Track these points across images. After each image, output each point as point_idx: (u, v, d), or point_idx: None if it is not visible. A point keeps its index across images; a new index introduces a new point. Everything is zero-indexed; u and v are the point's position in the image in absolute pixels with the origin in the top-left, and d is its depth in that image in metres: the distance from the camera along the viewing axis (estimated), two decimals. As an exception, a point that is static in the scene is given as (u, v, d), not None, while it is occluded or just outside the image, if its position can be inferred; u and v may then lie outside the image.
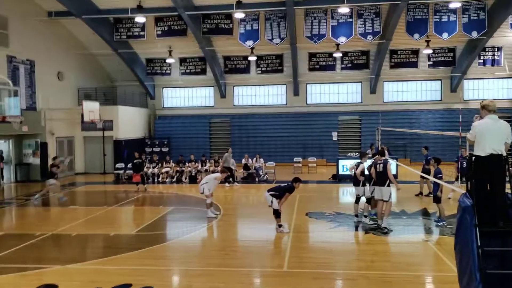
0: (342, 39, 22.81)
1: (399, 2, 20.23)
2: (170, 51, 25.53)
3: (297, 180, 10.69)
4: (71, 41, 24.88)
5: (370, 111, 27.02)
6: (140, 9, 20.13)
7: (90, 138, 24.19)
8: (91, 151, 24.32)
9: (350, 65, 26.40)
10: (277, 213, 10.52)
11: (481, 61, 25.32)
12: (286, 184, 10.89)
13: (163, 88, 29.67)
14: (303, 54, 26.11)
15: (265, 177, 20.48)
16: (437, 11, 22.12)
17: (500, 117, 5.79)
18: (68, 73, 24.49)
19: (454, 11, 21.91)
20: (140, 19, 21.34)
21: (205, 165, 20.82)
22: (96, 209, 13.97)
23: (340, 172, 20.07)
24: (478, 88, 27.09)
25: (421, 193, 15.26)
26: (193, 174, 20.38)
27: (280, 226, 10.52)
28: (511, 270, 5.12)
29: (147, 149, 26.87)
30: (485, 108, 5.72)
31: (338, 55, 24.91)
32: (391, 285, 7.12)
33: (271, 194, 10.57)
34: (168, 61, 26.32)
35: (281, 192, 10.61)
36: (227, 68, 27.34)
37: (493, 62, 25.24)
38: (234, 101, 29.01)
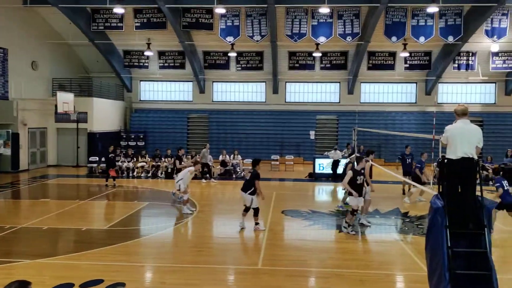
0: (322, 39, 22.96)
1: (378, 4, 20.50)
2: (148, 44, 25.11)
3: (256, 162, 10.55)
4: (46, 30, 24.17)
5: (347, 111, 27.34)
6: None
7: (64, 130, 23.63)
8: (64, 143, 23.75)
9: (329, 65, 26.57)
10: (257, 211, 10.46)
11: (456, 65, 25.89)
12: (249, 173, 10.77)
13: (140, 81, 29.21)
14: (283, 52, 26.14)
15: (242, 174, 20.45)
16: (415, 15, 22.51)
17: (472, 121, 5.97)
18: (42, 63, 23.80)
19: (431, 16, 22.33)
20: (118, 10, 20.89)
21: (182, 162, 20.51)
22: (68, 202, 13.66)
23: (317, 171, 20.25)
24: (452, 92, 27.72)
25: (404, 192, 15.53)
26: (169, 170, 20.12)
27: (256, 223, 10.52)
28: (478, 271, 5.27)
29: (123, 143, 26.44)
30: (455, 113, 5.93)
31: (317, 54, 25.04)
32: (363, 284, 7.23)
33: (249, 193, 10.40)
34: (146, 53, 25.87)
35: (251, 183, 10.40)
36: (206, 63, 27.11)
37: (467, 67, 25.85)
38: (213, 97, 28.83)
